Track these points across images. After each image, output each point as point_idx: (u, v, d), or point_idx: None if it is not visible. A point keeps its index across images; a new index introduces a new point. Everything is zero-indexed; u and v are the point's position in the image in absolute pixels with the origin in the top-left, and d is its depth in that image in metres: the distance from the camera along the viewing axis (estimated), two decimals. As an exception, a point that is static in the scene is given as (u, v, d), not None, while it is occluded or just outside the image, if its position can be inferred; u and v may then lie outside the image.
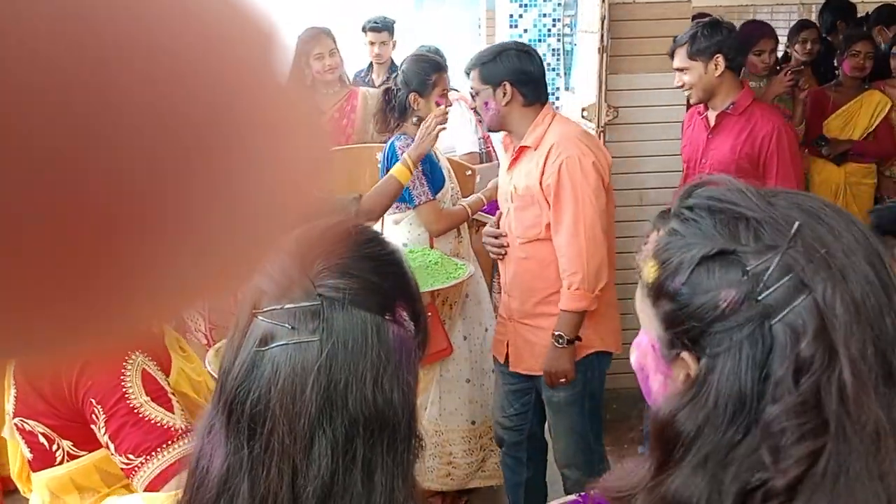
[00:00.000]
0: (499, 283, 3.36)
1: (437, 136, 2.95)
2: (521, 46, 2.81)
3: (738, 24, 4.62)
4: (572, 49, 3.86)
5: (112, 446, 1.44)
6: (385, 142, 3.40)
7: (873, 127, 4.30)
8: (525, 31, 4.41)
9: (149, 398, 1.45)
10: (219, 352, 1.72)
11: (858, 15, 5.54)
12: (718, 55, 2.92)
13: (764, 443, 0.72)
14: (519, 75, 2.67)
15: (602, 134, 3.36)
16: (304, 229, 0.90)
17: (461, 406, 3.22)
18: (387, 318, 0.88)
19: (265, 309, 0.87)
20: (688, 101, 3.17)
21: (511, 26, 4.43)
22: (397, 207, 3.16)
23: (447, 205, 3.30)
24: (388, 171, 3.13)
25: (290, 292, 0.86)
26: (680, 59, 3.00)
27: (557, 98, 4.24)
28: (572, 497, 0.89)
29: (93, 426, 1.46)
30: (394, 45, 4.61)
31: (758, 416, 0.73)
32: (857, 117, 4.32)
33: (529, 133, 2.67)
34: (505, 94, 2.64)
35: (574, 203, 2.56)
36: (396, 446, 0.86)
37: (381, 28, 4.53)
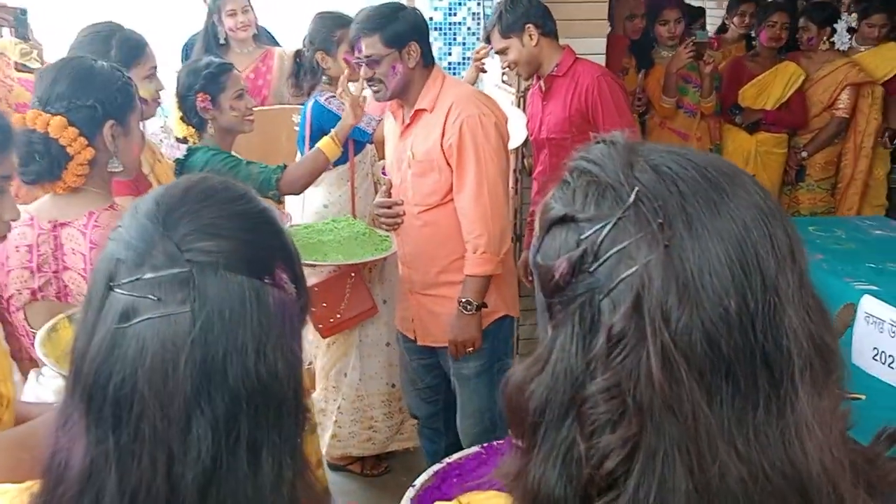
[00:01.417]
0: None
1: (363, 109, 2.83)
2: (403, 5, 2.67)
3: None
4: (492, 11, 3.82)
5: None
6: (302, 104, 3.32)
7: (786, 97, 4.42)
8: (445, -6, 4.35)
9: None
10: (52, 334, 1.58)
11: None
12: (529, 25, 2.92)
13: (580, 429, 0.65)
14: (421, 33, 2.56)
15: (522, 100, 3.34)
16: (163, 187, 0.83)
17: (381, 370, 3.20)
18: (266, 281, 0.79)
19: (124, 280, 0.77)
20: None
21: (431, -11, 4.35)
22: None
23: (366, 165, 3.24)
24: (312, 127, 3.05)
25: (151, 259, 0.77)
26: (496, 41, 3.00)
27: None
28: (474, 449, 0.85)
29: None
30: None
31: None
32: (772, 87, 4.44)
33: (423, 95, 2.55)
34: (411, 55, 2.50)
35: (477, 163, 2.48)
36: (283, 421, 0.78)
37: None
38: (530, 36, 2.94)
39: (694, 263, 0.64)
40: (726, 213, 0.66)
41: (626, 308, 0.64)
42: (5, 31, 2.82)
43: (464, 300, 2.55)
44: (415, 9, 2.63)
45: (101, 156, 1.81)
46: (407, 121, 2.61)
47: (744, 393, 0.64)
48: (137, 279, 0.77)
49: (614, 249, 0.65)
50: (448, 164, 2.51)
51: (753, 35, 4.66)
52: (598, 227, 0.66)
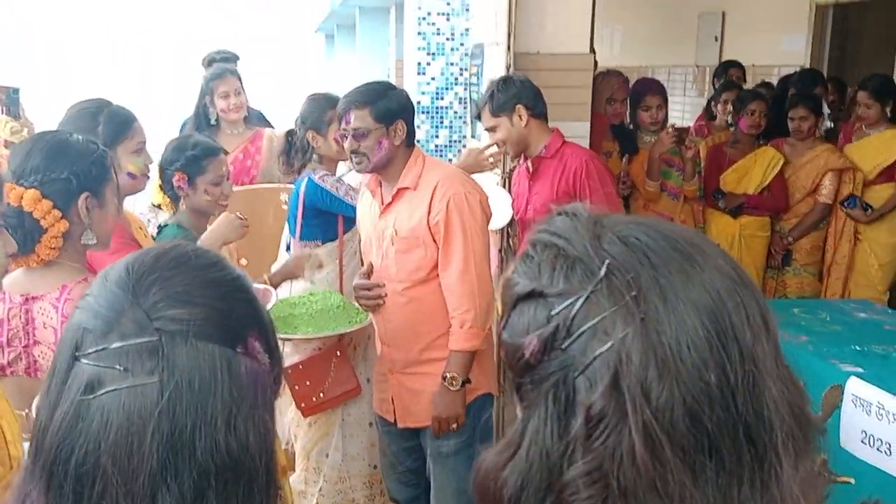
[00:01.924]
0: None
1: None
2: (394, 85, 2.77)
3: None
4: (479, 98, 3.91)
5: None
6: (292, 182, 3.35)
7: (767, 182, 4.49)
8: (433, 78, 4.46)
9: None
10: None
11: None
12: (519, 106, 2.98)
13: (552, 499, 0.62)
14: (410, 114, 2.63)
15: (507, 179, 3.38)
16: (135, 254, 0.82)
17: (363, 451, 3.13)
18: (238, 350, 0.77)
19: (90, 350, 0.74)
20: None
21: (419, 73, 4.47)
22: (305, 245, 3.10)
23: (354, 243, 3.25)
24: (304, 204, 3.07)
25: (120, 328, 0.74)
26: (486, 119, 3.06)
27: (464, 146, 4.28)
28: None
29: None
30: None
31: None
32: (752, 172, 4.51)
33: (406, 174, 2.60)
34: (397, 132, 2.56)
35: (464, 239, 2.52)
36: (254, 497, 0.75)
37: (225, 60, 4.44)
38: (520, 116, 3.00)
39: (671, 336, 0.62)
40: (699, 283, 0.64)
41: (605, 386, 0.61)
42: (-3, 109, 2.85)
43: (449, 376, 2.54)
44: (403, 90, 2.72)
45: (75, 228, 1.80)
46: (388, 199, 2.63)
47: (728, 469, 0.61)
48: (104, 349, 0.74)
49: (588, 325, 0.63)
50: (434, 240, 2.55)
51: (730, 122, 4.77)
52: (569, 302, 0.64)
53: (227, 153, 3.90)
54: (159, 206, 2.94)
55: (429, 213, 2.54)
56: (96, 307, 0.77)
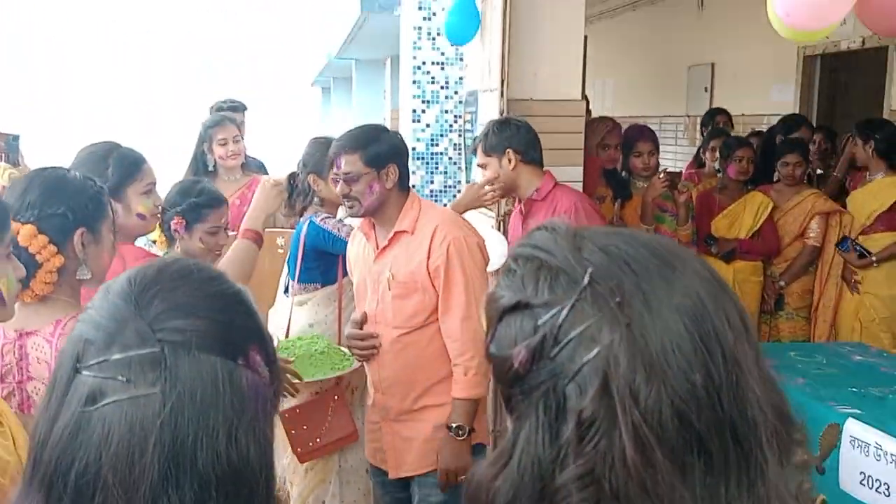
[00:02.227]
0: None
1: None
2: (386, 128, 2.73)
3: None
4: (473, 143, 3.97)
5: None
6: (293, 226, 3.38)
7: (758, 226, 4.53)
8: (427, 125, 4.52)
9: None
10: None
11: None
12: (509, 150, 3.03)
13: None
14: (402, 158, 2.61)
15: (502, 223, 3.41)
16: (137, 268, 0.82)
17: (360, 498, 3.09)
18: (240, 362, 0.77)
19: (91, 362, 0.74)
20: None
21: (414, 121, 4.53)
22: (304, 288, 3.10)
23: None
24: (305, 246, 3.08)
25: (122, 339, 0.74)
26: (479, 155, 3.12)
27: (459, 192, 4.32)
28: None
29: None
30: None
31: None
32: (742, 217, 4.56)
33: (402, 218, 2.56)
34: (389, 176, 2.53)
35: (465, 284, 2.48)
36: None
37: (233, 109, 4.49)
38: (509, 160, 3.04)
39: (656, 340, 0.63)
40: (680, 287, 0.65)
41: (595, 391, 0.62)
42: (-4, 156, 2.87)
43: (454, 425, 2.48)
44: (397, 133, 2.69)
45: (70, 263, 1.80)
46: (383, 243, 2.60)
47: (716, 468, 0.62)
48: (105, 360, 0.74)
49: (574, 332, 0.64)
50: (433, 285, 2.51)
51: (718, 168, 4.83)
52: (554, 311, 0.65)
53: (225, 200, 3.97)
54: (154, 242, 2.95)
55: (428, 257, 2.50)
56: (98, 319, 0.77)
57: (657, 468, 0.60)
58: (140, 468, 0.70)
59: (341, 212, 2.99)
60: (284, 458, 3.14)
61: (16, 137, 2.88)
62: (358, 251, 2.77)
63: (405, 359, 2.58)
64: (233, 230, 3.83)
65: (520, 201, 3.19)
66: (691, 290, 0.66)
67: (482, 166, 3.12)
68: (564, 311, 0.65)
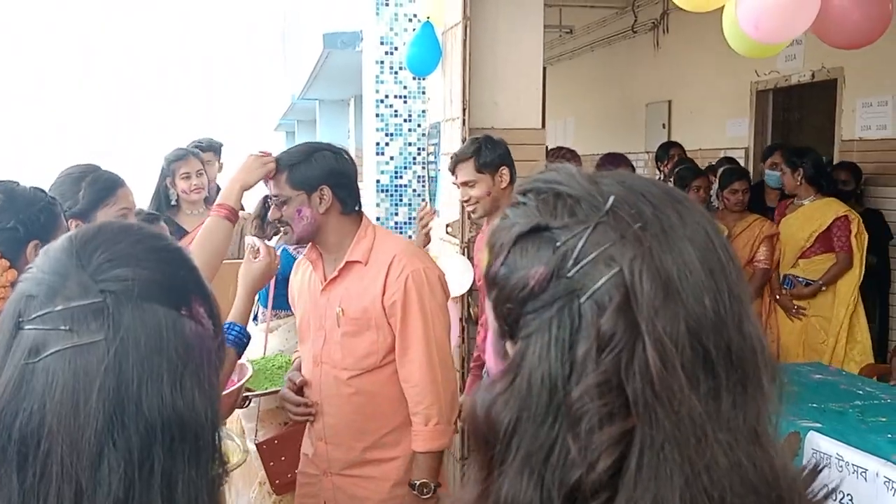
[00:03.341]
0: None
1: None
2: (333, 147, 2.40)
3: (590, 168, 5.00)
4: (437, 175, 4.01)
5: None
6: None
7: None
8: (391, 158, 4.57)
9: None
10: None
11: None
12: (504, 167, 3.01)
13: (569, 430, 0.64)
14: (338, 178, 2.29)
15: (466, 249, 3.44)
16: (79, 229, 0.84)
17: None
18: (183, 312, 0.78)
19: (33, 315, 0.74)
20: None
21: (378, 153, 4.58)
22: (276, 314, 3.08)
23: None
24: (277, 275, 3.04)
25: (64, 291, 0.75)
26: (466, 173, 3.01)
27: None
28: None
29: None
30: (220, 167, 4.55)
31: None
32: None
33: (354, 246, 2.30)
34: (322, 199, 2.25)
35: (423, 323, 2.24)
36: (200, 455, 0.76)
37: (207, 149, 4.50)
38: (502, 177, 3.00)
39: (672, 264, 0.66)
40: (691, 222, 0.70)
41: (614, 307, 0.65)
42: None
43: (418, 483, 2.24)
44: (341, 152, 2.35)
45: None
46: (332, 273, 2.33)
47: (718, 387, 0.66)
48: (48, 312, 0.74)
49: (595, 252, 0.66)
50: (388, 322, 2.26)
51: None
52: (577, 231, 0.67)
53: (186, 233, 3.95)
54: None
55: (384, 291, 2.25)
56: (40, 276, 0.78)
57: (676, 378, 0.64)
58: (85, 414, 0.71)
59: None
60: (252, 492, 3.09)
61: None
62: (302, 281, 2.49)
63: (355, 404, 2.31)
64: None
65: (488, 223, 3.11)
66: (700, 225, 0.70)
67: (469, 184, 3.02)
68: (587, 232, 0.67)
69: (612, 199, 0.69)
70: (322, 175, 2.26)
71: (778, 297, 4.68)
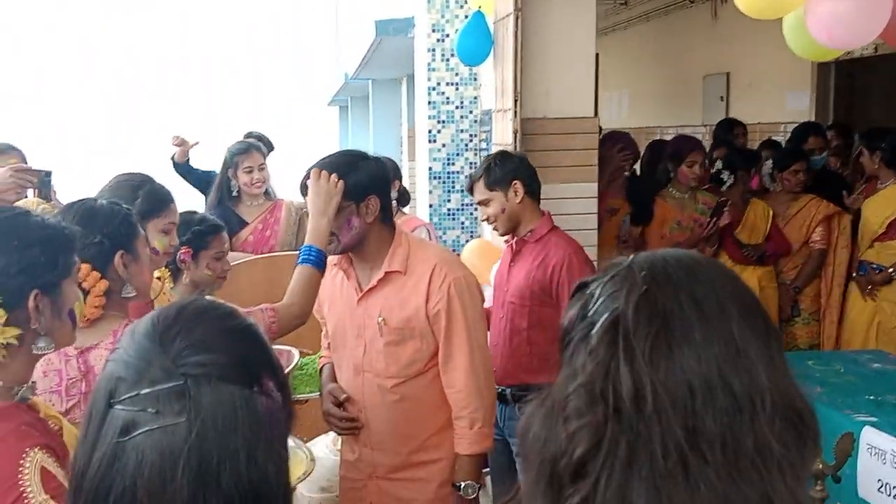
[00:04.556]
0: None
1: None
2: (368, 154, 2.39)
3: (645, 143, 4.93)
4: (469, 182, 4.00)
5: None
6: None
7: (767, 230, 4.57)
8: (443, 145, 4.59)
9: (48, 497, 1.35)
10: None
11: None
12: (516, 182, 2.89)
13: (563, 422, 0.77)
14: (383, 186, 2.30)
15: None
16: (158, 309, 0.92)
17: None
18: (255, 390, 0.85)
19: (123, 397, 0.82)
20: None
21: (430, 141, 4.60)
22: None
23: None
24: None
25: (149, 375, 0.83)
26: (479, 192, 2.96)
27: (476, 208, 4.37)
28: None
29: None
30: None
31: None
32: (756, 224, 4.59)
33: (392, 256, 2.29)
34: (369, 209, 2.23)
35: (467, 330, 2.26)
36: None
37: (268, 145, 4.53)
38: (515, 192, 2.90)
39: (662, 299, 0.78)
40: (705, 279, 0.81)
41: (604, 326, 0.77)
42: (29, 192, 2.96)
43: (464, 484, 2.29)
44: (379, 159, 2.38)
45: (114, 285, 1.91)
46: (369, 283, 2.32)
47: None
48: (136, 394, 0.82)
49: (606, 293, 0.80)
50: (431, 330, 2.28)
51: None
52: (599, 283, 0.82)
53: (246, 224, 4.05)
54: (159, 278, 3.02)
55: (427, 300, 2.26)
56: (126, 358, 0.86)
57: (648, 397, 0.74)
58: (171, 490, 0.79)
59: None
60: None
61: (48, 173, 2.95)
62: (333, 289, 2.44)
63: (400, 410, 2.33)
64: (255, 253, 3.92)
65: (514, 236, 3.01)
66: (710, 276, 0.81)
67: (484, 203, 2.96)
68: (605, 279, 0.82)
69: (630, 258, 0.82)
70: (370, 183, 2.24)
71: (855, 274, 4.59)
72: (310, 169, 2.26)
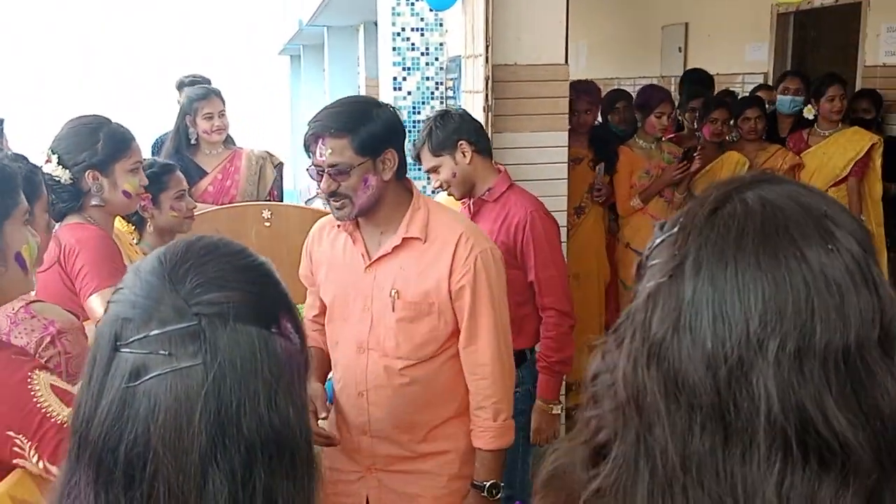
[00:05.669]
0: None
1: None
2: (378, 101, 2.14)
3: (605, 91, 4.90)
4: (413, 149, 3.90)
5: (55, 470, 1.30)
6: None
7: None
8: (409, 93, 4.49)
9: (71, 410, 1.33)
10: None
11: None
12: (461, 142, 2.69)
13: (593, 404, 0.74)
14: (400, 137, 2.03)
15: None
16: (163, 247, 0.84)
17: None
18: (273, 330, 0.80)
19: (131, 339, 0.76)
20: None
21: (395, 89, 4.50)
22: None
23: None
24: None
25: (159, 314, 0.76)
26: (426, 159, 2.75)
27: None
28: None
29: (18, 460, 1.34)
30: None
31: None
32: (720, 176, 4.60)
33: (411, 221, 2.03)
34: (385, 165, 1.97)
35: (492, 309, 2.03)
36: (297, 470, 0.78)
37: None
38: (463, 153, 2.69)
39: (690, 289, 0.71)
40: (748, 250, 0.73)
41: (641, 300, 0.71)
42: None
43: (488, 484, 2.07)
44: (389, 106, 2.07)
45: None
46: (381, 249, 2.06)
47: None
48: (145, 336, 0.76)
49: (660, 258, 0.71)
50: (452, 308, 2.04)
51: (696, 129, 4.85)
52: (663, 236, 0.74)
53: (206, 173, 3.93)
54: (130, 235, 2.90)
55: (450, 274, 2.00)
56: (132, 298, 0.79)
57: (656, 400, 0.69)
58: (189, 436, 0.74)
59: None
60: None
61: (0, 121, 2.82)
62: (333, 253, 2.16)
63: (407, 395, 2.07)
64: (215, 204, 3.80)
65: (470, 197, 2.80)
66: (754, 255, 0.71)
67: (433, 170, 2.74)
68: (664, 235, 0.72)
69: (680, 219, 0.72)
70: (387, 135, 1.96)
71: None
72: (317, 122, 1.97)
